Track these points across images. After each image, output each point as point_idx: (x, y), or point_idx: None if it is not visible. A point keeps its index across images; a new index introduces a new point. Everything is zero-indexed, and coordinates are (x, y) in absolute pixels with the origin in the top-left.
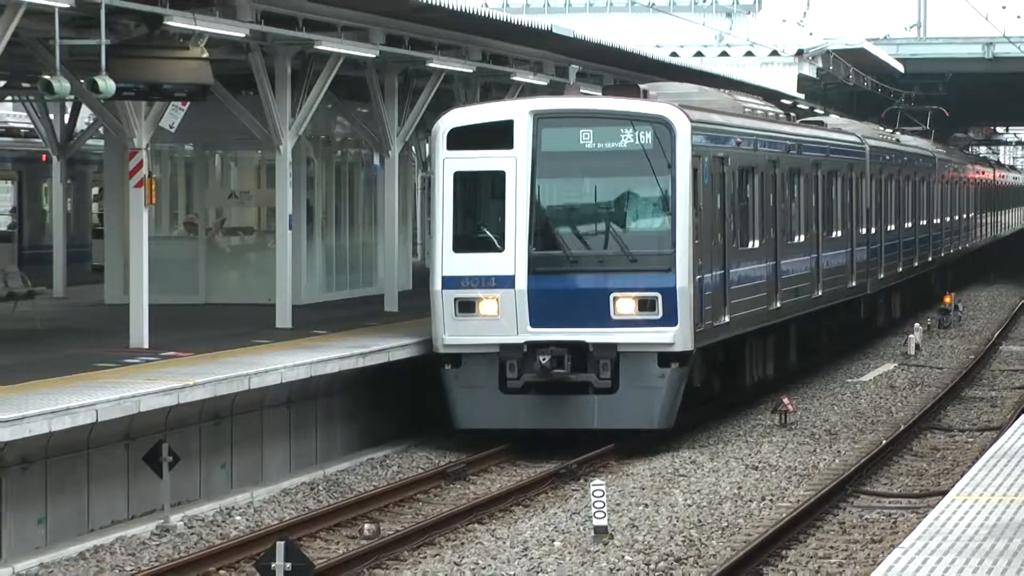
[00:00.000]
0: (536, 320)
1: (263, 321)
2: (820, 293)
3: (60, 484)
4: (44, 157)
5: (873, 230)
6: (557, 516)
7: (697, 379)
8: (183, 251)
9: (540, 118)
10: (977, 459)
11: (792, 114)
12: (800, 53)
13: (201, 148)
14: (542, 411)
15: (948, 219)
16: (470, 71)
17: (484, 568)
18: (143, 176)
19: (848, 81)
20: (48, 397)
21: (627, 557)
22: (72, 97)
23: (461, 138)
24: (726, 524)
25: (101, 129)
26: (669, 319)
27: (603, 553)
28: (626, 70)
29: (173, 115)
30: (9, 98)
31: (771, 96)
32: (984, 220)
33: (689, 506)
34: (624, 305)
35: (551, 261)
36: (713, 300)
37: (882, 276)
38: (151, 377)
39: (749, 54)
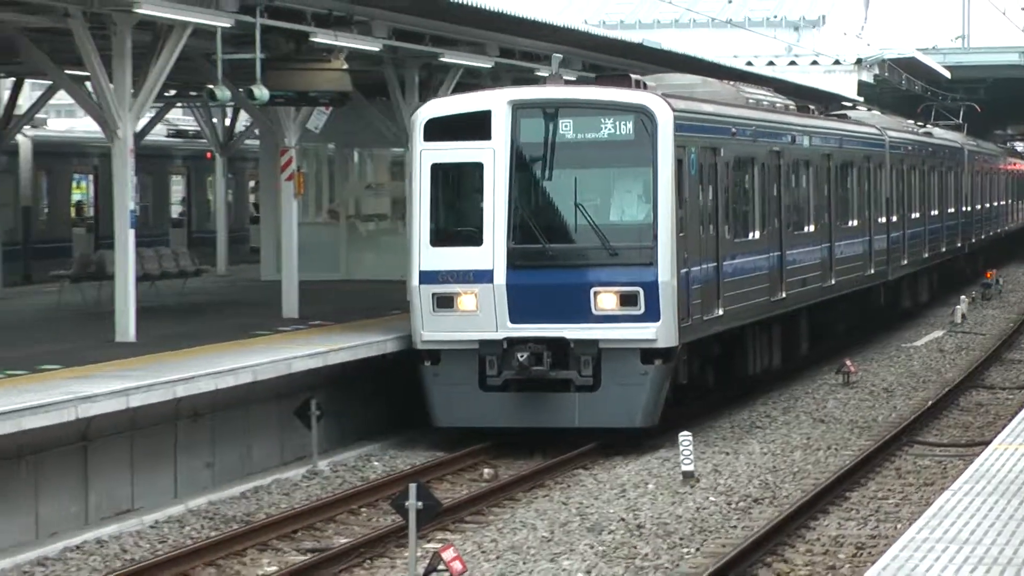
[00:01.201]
0: (515, 316)
1: (395, 295)
2: (833, 282)
3: (224, 434)
4: (209, 155)
5: (894, 218)
6: (650, 463)
7: (684, 375)
8: (327, 235)
9: (518, 108)
10: (1016, 413)
11: (811, 107)
12: (859, 62)
13: (341, 146)
14: (522, 409)
15: (979, 206)
16: (573, 79)
17: (587, 506)
18: (293, 171)
19: (901, 86)
20: (214, 360)
21: (711, 498)
22: (232, 103)
23: (438, 129)
24: (797, 469)
25: (257, 131)
26: (651, 314)
27: (690, 494)
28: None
29: (318, 118)
30: (179, 105)
31: (818, 96)
32: (1016, 207)
33: (765, 454)
34: (605, 300)
35: (530, 255)
36: (703, 293)
37: (905, 262)
38: (301, 343)
39: (815, 63)
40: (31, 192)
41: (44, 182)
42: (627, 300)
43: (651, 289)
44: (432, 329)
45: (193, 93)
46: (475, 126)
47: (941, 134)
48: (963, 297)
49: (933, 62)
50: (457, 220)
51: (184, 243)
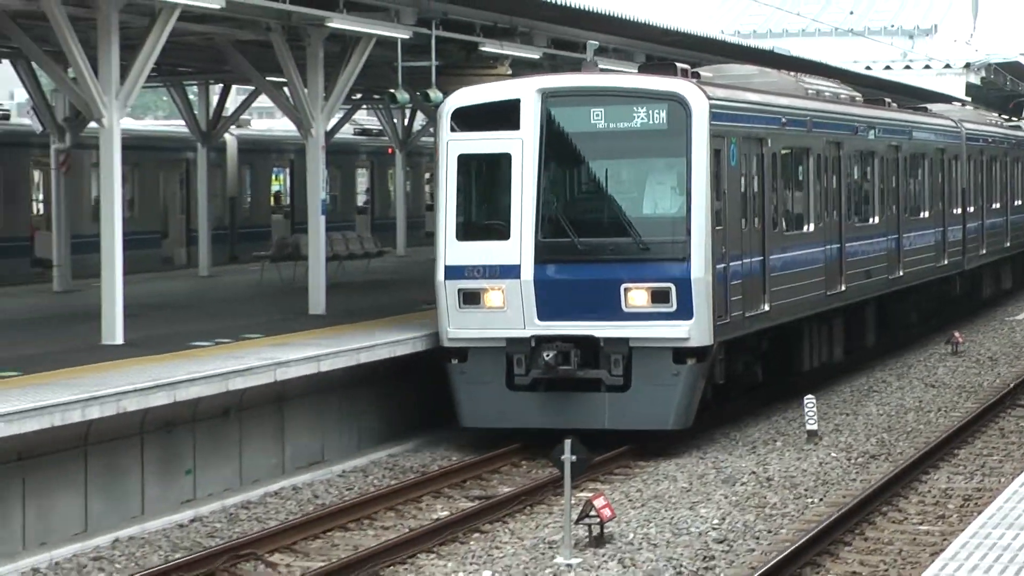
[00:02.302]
0: (543, 313)
1: None
2: (901, 273)
3: (401, 394)
4: (390, 150)
5: (971, 209)
6: (778, 423)
7: (720, 375)
8: None
9: (548, 97)
10: None
11: (887, 99)
12: (967, 66)
13: None
14: (550, 409)
15: None
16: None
17: (722, 461)
18: None
19: (1006, 87)
20: (393, 330)
21: (833, 454)
22: (410, 105)
23: (465, 119)
24: (910, 429)
25: (431, 129)
26: (684, 312)
27: (814, 451)
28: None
29: None
30: (364, 106)
31: (925, 95)
32: None
33: (881, 415)
34: (636, 297)
35: (559, 249)
36: (746, 288)
37: (984, 252)
38: None
39: (927, 67)
40: (236, 184)
41: (247, 175)
42: (659, 297)
43: (684, 286)
44: (458, 326)
45: (376, 96)
46: (503, 116)
47: None
48: None
49: None
50: (484, 213)
51: (368, 228)
